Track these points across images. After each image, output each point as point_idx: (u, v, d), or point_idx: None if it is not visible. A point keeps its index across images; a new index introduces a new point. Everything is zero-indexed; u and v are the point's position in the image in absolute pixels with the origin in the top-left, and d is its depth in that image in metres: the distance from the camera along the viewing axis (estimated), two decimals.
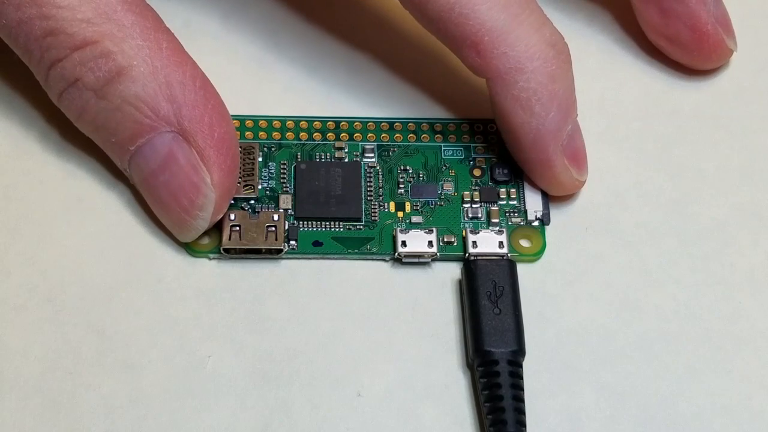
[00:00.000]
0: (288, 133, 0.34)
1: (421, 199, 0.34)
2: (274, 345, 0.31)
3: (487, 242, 0.33)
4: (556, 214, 0.34)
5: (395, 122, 0.35)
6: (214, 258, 0.33)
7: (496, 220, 0.33)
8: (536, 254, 0.33)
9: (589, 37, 0.37)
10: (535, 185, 0.34)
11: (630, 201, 0.34)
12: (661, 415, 0.31)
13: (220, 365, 0.31)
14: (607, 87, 0.36)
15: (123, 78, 0.31)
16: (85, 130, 0.33)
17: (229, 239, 0.32)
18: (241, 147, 0.33)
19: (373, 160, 0.34)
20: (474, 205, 0.34)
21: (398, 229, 0.33)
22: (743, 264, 0.33)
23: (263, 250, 0.32)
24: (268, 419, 0.30)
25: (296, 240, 0.33)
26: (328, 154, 0.34)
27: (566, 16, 0.37)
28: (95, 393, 0.30)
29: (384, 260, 0.33)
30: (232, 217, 0.32)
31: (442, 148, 0.35)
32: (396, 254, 0.33)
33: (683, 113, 0.36)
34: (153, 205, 0.32)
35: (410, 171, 0.34)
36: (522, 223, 0.33)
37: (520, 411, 0.30)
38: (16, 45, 0.32)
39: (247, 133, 0.34)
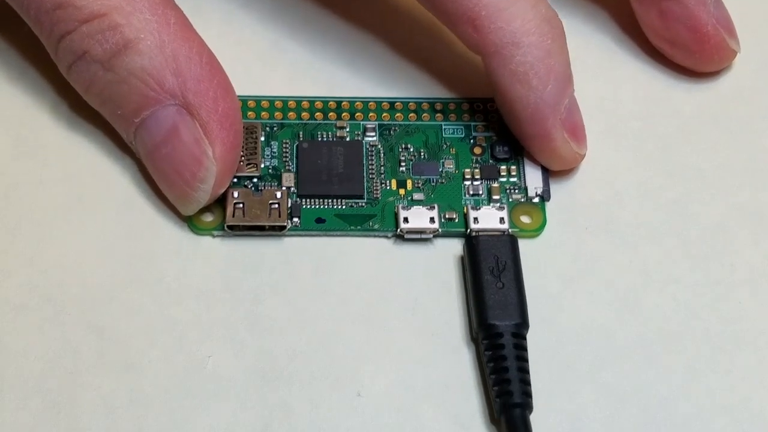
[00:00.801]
0: (290, 113, 0.35)
1: (422, 177, 0.34)
2: (274, 344, 0.31)
3: (488, 218, 0.33)
4: (556, 214, 0.34)
5: (396, 102, 0.35)
6: (218, 235, 0.33)
7: (497, 197, 0.33)
8: (537, 230, 0.33)
9: (588, 36, 0.37)
10: (535, 162, 0.34)
11: (630, 201, 0.34)
12: (661, 415, 0.31)
13: (220, 365, 0.31)
14: (607, 87, 0.36)
15: (130, 51, 0.31)
16: (93, 103, 0.33)
17: (233, 216, 0.32)
18: (243, 126, 0.33)
19: (375, 139, 0.34)
20: (475, 183, 0.34)
21: (400, 205, 0.33)
22: (743, 264, 0.33)
23: (267, 227, 0.33)
24: (268, 419, 0.30)
25: (299, 217, 0.33)
26: (329, 133, 0.34)
27: (565, 15, 0.37)
28: (95, 393, 0.30)
29: (386, 237, 0.33)
30: (236, 194, 0.33)
31: (443, 127, 0.35)
32: (398, 230, 0.33)
33: (683, 113, 0.36)
34: (156, 178, 0.32)
35: (411, 149, 0.34)
36: (522, 200, 0.34)
37: (526, 382, 0.30)
38: (28, 17, 0.32)
39: (249, 113, 0.34)
